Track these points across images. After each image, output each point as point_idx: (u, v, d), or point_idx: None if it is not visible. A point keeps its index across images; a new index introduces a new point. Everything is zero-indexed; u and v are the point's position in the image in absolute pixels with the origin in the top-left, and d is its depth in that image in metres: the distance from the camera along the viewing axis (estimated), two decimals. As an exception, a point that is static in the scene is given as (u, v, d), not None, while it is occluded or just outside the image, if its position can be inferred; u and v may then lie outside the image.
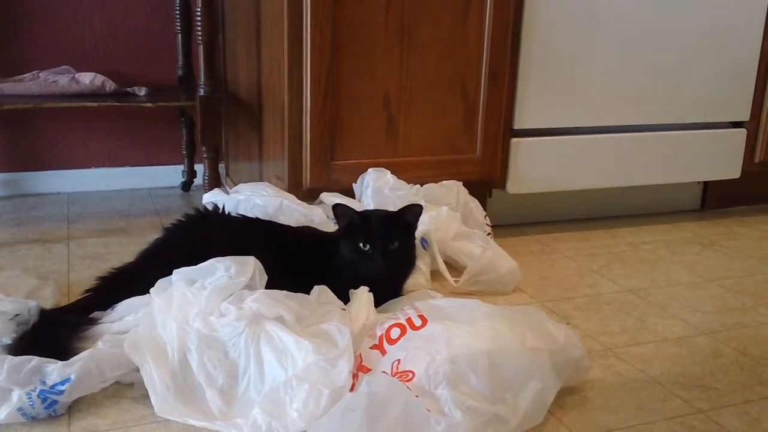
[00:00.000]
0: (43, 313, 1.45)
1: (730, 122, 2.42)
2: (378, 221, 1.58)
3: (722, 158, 2.43)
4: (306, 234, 1.71)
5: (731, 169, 2.45)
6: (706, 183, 2.58)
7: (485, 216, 2.07)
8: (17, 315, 1.41)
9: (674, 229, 2.40)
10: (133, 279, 1.55)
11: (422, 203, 1.68)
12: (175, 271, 1.41)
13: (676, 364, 1.52)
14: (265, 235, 1.63)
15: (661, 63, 2.24)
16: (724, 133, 2.41)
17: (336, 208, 1.60)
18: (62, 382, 1.24)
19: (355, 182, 1.97)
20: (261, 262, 1.45)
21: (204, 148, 2.16)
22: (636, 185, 2.39)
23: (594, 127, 2.24)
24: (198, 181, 2.63)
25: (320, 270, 1.56)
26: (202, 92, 2.09)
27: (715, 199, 2.61)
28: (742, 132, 2.42)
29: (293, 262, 1.57)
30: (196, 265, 1.42)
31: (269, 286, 1.43)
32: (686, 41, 2.25)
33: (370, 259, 1.54)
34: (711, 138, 2.39)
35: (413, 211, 1.61)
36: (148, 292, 1.41)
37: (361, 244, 1.54)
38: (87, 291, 1.58)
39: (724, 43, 2.29)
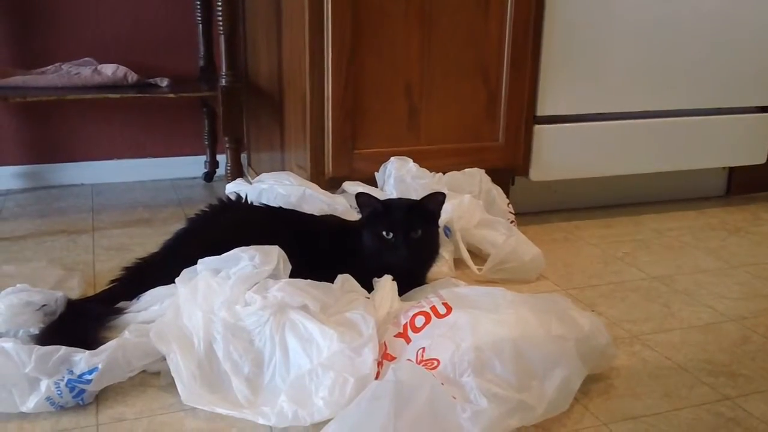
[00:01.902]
0: (70, 304, 1.46)
1: (755, 107, 2.38)
2: (401, 210, 1.58)
3: (748, 143, 2.40)
4: (329, 223, 1.71)
5: (757, 155, 2.42)
6: (731, 168, 2.55)
7: (508, 204, 2.06)
8: (44, 305, 1.43)
9: (699, 215, 2.38)
10: (158, 269, 1.56)
11: (445, 191, 1.67)
12: (199, 260, 1.42)
13: (703, 350, 1.51)
14: (288, 224, 1.64)
15: (684, 47, 2.22)
16: (749, 118, 2.38)
17: (359, 197, 1.60)
18: (90, 372, 1.25)
19: (377, 171, 1.97)
20: (284, 251, 1.45)
21: (226, 139, 2.17)
22: (660, 171, 2.36)
23: (617, 113, 2.22)
24: (220, 171, 2.63)
25: (343, 258, 1.56)
26: (223, 82, 2.09)
27: (741, 185, 2.58)
28: (767, 117, 2.39)
29: (317, 250, 1.58)
30: (220, 255, 1.42)
31: (293, 274, 1.43)
32: (710, 25, 2.22)
33: (393, 247, 1.54)
34: (736, 123, 2.36)
35: (436, 200, 1.60)
36: (173, 282, 1.42)
37: (384, 233, 1.54)
38: (112, 281, 1.59)
39: (749, 26, 2.26)
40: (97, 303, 1.52)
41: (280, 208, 1.71)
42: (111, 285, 1.58)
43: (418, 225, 1.55)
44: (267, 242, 1.46)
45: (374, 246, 1.56)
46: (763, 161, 2.43)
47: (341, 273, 1.49)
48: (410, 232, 1.54)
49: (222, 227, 1.62)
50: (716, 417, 1.28)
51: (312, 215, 1.72)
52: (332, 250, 1.59)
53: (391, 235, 1.54)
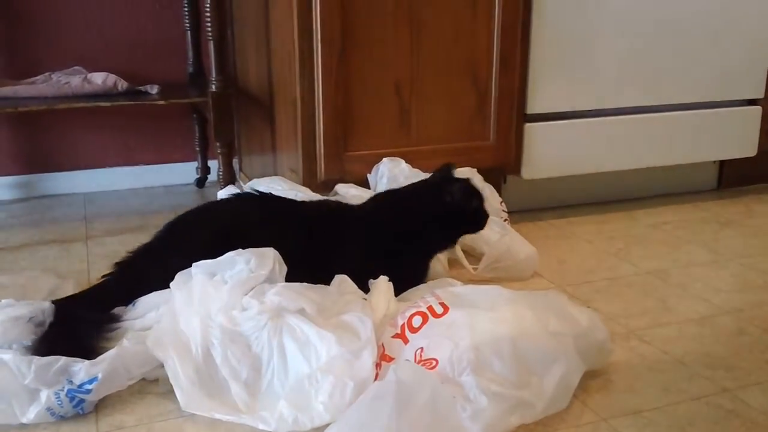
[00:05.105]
0: (59, 311, 1.43)
1: (744, 100, 2.39)
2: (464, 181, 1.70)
3: (738, 137, 2.41)
4: (329, 206, 1.71)
5: (747, 148, 2.43)
6: (722, 162, 2.56)
7: (501, 202, 2.06)
8: (32, 317, 1.41)
9: (692, 209, 2.39)
10: (151, 258, 1.56)
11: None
12: (194, 264, 1.40)
13: (700, 344, 1.51)
14: (287, 211, 1.63)
15: (674, 42, 2.22)
16: (738, 111, 2.39)
17: (458, 182, 1.69)
18: (90, 381, 1.24)
19: (370, 173, 1.97)
20: (282, 239, 1.46)
21: (217, 144, 2.16)
22: (651, 166, 2.37)
23: (608, 109, 2.23)
24: (212, 177, 2.63)
25: (342, 241, 1.59)
26: (213, 88, 2.09)
27: (732, 178, 2.59)
28: (757, 109, 2.40)
29: (318, 235, 1.58)
30: (215, 245, 1.43)
31: (294, 261, 1.44)
32: (698, 18, 2.23)
33: (483, 214, 1.68)
34: (726, 116, 2.37)
35: None
36: (166, 278, 1.41)
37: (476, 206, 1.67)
38: (104, 276, 1.58)
39: (737, 19, 2.27)
40: (87, 304, 1.50)
41: (276, 195, 1.70)
42: (102, 280, 1.58)
43: None
44: (265, 228, 1.47)
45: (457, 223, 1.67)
46: (754, 154, 2.44)
47: (340, 260, 1.51)
48: None
49: (215, 215, 1.62)
50: (715, 409, 1.29)
51: (313, 201, 1.73)
52: (332, 233, 1.60)
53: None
